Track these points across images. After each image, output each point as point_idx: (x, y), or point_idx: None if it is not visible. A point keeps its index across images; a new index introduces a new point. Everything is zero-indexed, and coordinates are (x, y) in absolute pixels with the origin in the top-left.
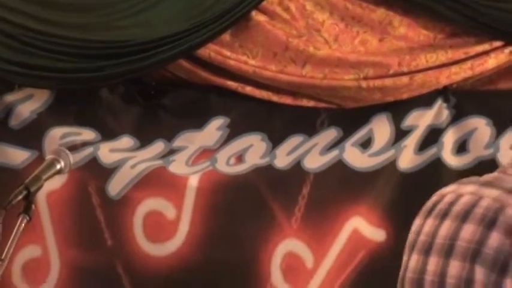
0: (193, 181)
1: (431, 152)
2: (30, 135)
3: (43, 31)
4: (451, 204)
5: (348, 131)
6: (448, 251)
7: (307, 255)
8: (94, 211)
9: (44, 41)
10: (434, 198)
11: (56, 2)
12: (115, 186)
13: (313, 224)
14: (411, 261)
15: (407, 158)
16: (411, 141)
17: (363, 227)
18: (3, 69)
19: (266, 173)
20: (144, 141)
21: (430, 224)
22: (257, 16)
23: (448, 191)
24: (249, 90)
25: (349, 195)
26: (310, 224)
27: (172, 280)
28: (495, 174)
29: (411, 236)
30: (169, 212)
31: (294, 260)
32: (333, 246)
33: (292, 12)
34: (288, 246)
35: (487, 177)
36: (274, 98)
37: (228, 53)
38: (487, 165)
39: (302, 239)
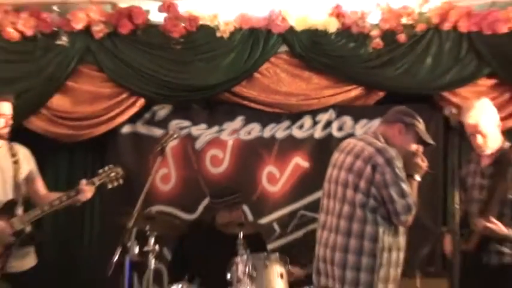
0: (230, 143)
1: (327, 130)
2: (163, 123)
3: (167, 80)
4: (346, 146)
5: (293, 121)
6: (344, 168)
7: (276, 173)
8: (189, 155)
9: (167, 84)
10: (343, 144)
11: (173, 68)
12: (198, 144)
13: (279, 160)
14: (333, 172)
15: (318, 133)
16: (319, 126)
17: (299, 161)
18: (151, 96)
19: (260, 139)
20: (210, 126)
21: (337, 156)
22: (256, 74)
23: (348, 142)
24: (253, 105)
25: (294, 148)
26: (278, 160)
27: (221, 183)
28: (365, 135)
29: (332, 159)
30: (220, 155)
31: (271, 175)
32: (287, 169)
33: (270, 73)
34: (269, 169)
35: (361, 136)
36: (263, 108)
37: (245, 90)
38: (351, 136)
39: (275, 166)
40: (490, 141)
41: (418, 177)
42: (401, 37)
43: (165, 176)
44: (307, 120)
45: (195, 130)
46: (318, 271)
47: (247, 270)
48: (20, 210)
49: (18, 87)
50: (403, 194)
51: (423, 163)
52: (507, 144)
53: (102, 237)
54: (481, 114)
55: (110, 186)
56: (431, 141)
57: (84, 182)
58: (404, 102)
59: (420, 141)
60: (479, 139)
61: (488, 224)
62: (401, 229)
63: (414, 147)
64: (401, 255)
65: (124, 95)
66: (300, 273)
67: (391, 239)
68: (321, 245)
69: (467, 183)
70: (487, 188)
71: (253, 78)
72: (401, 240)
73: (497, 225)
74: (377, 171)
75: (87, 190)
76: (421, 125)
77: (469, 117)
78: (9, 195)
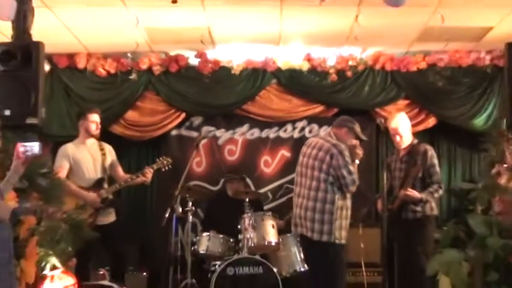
0: (240, 141)
1: (302, 133)
2: (198, 128)
3: (200, 101)
4: (311, 143)
5: (280, 127)
6: (311, 157)
7: (269, 160)
8: (214, 148)
9: (200, 104)
10: (308, 141)
11: (204, 93)
12: (220, 141)
13: (271, 152)
14: (303, 159)
15: (296, 134)
16: (297, 130)
17: (284, 152)
18: (190, 111)
19: (259, 139)
20: (227, 130)
21: (305, 149)
22: (256, 97)
23: (311, 139)
24: (255, 117)
25: (280, 144)
26: (271, 152)
27: (233, 164)
28: (323, 135)
29: (302, 151)
30: (234, 148)
31: (266, 161)
32: (276, 157)
33: (265, 97)
34: (265, 157)
35: (320, 135)
36: (261, 118)
37: (250, 107)
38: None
39: (269, 155)
40: (405, 139)
41: (357, 161)
42: (349, 73)
43: (198, 162)
44: (289, 127)
45: (218, 132)
46: (295, 224)
47: (251, 222)
48: (105, 185)
49: (105, 106)
50: (350, 173)
51: (360, 152)
52: (415, 141)
53: (158, 201)
54: (399, 122)
55: (163, 169)
56: (364, 138)
57: (146, 167)
58: (350, 115)
59: (358, 138)
60: (397, 138)
61: (407, 192)
62: (348, 195)
63: (354, 141)
64: (349, 212)
65: (172, 111)
66: (280, 223)
67: (342, 202)
68: (297, 207)
69: (391, 167)
70: (404, 170)
71: (254, 100)
72: (348, 202)
73: (413, 193)
74: (333, 158)
75: (148, 172)
76: (358, 128)
77: (392, 123)
78: (99, 175)
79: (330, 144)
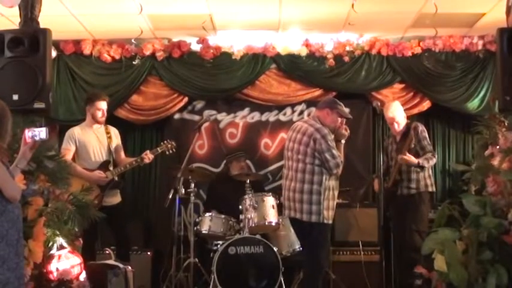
0: (241, 124)
1: (301, 116)
2: (200, 112)
3: (202, 85)
4: (296, 127)
5: (280, 110)
6: (296, 141)
7: (270, 142)
8: (215, 131)
9: (202, 88)
10: (294, 125)
11: (206, 78)
12: (221, 125)
13: (271, 135)
14: (289, 144)
15: (295, 118)
16: (296, 113)
17: (284, 135)
18: (192, 95)
19: (259, 122)
20: (228, 113)
21: (291, 134)
22: (256, 82)
23: (296, 124)
24: (255, 100)
25: (280, 127)
26: (271, 135)
27: (234, 147)
28: (307, 119)
29: (288, 135)
30: (235, 131)
31: (266, 144)
32: (276, 140)
33: (265, 81)
34: (265, 140)
35: (305, 119)
36: (261, 102)
37: (250, 91)
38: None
39: (269, 138)
40: (401, 126)
41: (343, 141)
42: (346, 58)
43: (200, 144)
44: (288, 110)
45: (219, 116)
46: (284, 206)
47: (251, 203)
48: (111, 167)
49: (110, 90)
50: (333, 157)
51: (346, 132)
52: (408, 122)
53: (162, 183)
54: (395, 111)
55: (167, 153)
56: (349, 116)
57: (148, 151)
58: (348, 98)
59: (342, 116)
60: (395, 126)
61: (404, 156)
62: (335, 176)
63: (339, 120)
64: (336, 192)
65: (175, 95)
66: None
67: (329, 183)
68: (285, 190)
69: (388, 149)
70: (399, 147)
71: (255, 84)
72: (336, 183)
73: (409, 157)
74: (316, 143)
75: (146, 158)
76: (341, 106)
77: (389, 113)
78: (105, 158)
79: (314, 129)
